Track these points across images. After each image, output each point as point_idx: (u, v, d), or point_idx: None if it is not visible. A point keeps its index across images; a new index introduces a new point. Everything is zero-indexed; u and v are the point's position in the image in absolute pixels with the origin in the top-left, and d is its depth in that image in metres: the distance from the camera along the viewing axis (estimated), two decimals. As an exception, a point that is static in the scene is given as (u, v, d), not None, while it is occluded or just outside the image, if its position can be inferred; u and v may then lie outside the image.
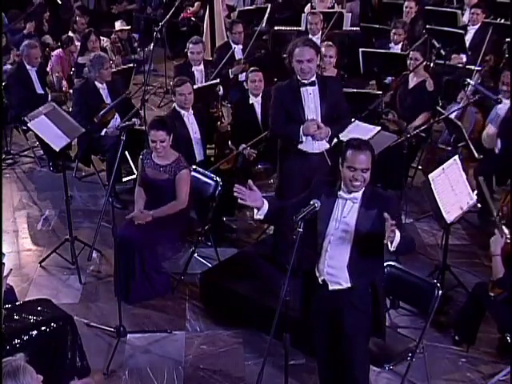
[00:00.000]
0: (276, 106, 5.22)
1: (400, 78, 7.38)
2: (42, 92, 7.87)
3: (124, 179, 7.15)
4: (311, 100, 5.09)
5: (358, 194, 3.87)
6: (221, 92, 7.67)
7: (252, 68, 6.95)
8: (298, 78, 5.06)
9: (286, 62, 5.14)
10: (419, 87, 7.15)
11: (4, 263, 4.20)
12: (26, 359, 3.04)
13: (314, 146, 5.14)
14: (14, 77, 7.78)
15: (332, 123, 5.14)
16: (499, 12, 9.84)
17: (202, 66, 7.73)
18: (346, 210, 3.86)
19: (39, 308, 4.46)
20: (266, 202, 3.93)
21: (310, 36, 8.70)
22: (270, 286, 4.93)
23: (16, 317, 4.31)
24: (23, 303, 4.60)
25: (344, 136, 5.63)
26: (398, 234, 3.68)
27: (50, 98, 7.73)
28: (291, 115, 5.11)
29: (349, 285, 3.90)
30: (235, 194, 3.82)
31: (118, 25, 10.23)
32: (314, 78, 5.10)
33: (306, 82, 5.06)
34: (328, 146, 5.18)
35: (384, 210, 3.69)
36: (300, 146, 5.16)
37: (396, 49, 8.41)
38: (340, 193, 3.87)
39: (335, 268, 3.91)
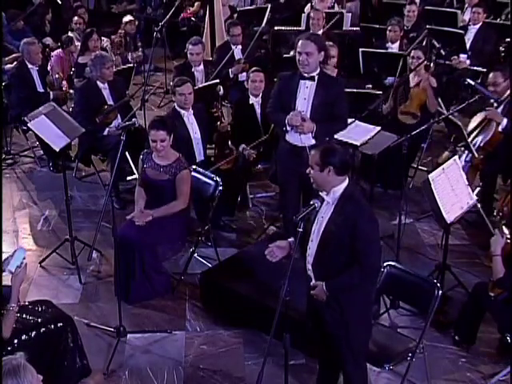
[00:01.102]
0: (274, 91, 5.45)
1: (401, 78, 7.40)
2: (43, 90, 7.86)
3: (128, 178, 7.16)
4: (305, 93, 5.20)
5: (333, 196, 3.84)
6: (221, 92, 7.67)
7: (253, 68, 6.95)
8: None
9: (294, 54, 5.32)
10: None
11: (24, 261, 4.15)
12: (26, 357, 3.04)
13: (298, 138, 5.24)
14: (15, 76, 7.77)
15: (321, 121, 5.17)
16: (496, 12, 9.89)
17: (202, 67, 7.73)
18: (323, 210, 3.88)
19: (39, 309, 4.45)
20: (291, 241, 4.02)
21: None
22: (270, 286, 4.92)
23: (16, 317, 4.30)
24: (23, 304, 4.59)
25: (343, 136, 5.65)
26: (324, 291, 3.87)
27: (51, 97, 7.72)
28: (283, 104, 5.27)
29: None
30: (269, 257, 4.00)
31: (127, 18, 10.22)
32: (314, 74, 5.18)
33: (306, 75, 5.18)
34: (313, 141, 5.19)
35: (350, 222, 3.72)
36: (287, 137, 5.32)
37: (393, 48, 8.42)
38: (319, 192, 3.91)
39: (310, 264, 3.96)
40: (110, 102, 7.00)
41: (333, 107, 5.21)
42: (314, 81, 5.19)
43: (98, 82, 7.00)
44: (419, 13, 9.33)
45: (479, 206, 5.13)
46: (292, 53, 5.33)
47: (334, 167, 3.79)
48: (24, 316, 4.33)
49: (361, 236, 3.76)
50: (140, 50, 10.35)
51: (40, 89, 7.83)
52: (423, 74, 7.11)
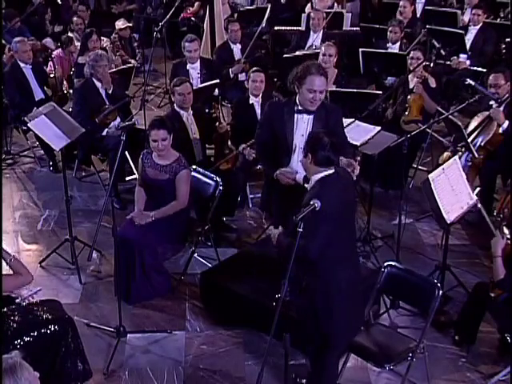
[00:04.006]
0: (264, 121, 5.02)
1: (400, 79, 7.40)
2: (43, 97, 7.87)
3: (128, 178, 7.16)
4: (303, 129, 4.73)
5: (310, 184, 4.10)
6: (216, 92, 7.68)
7: (255, 68, 6.94)
8: (297, 102, 4.73)
9: (291, 86, 4.75)
10: (422, 85, 7.13)
11: None
12: (22, 356, 3.04)
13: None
14: (9, 76, 7.74)
15: None
16: (496, 11, 9.91)
17: (198, 64, 7.72)
18: None
19: (41, 310, 4.42)
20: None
21: (311, 33, 8.78)
22: (270, 286, 4.92)
23: (17, 317, 4.30)
24: (27, 304, 4.56)
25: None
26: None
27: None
28: (278, 137, 4.79)
29: None
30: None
31: (121, 23, 10.20)
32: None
33: (303, 109, 4.73)
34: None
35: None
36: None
37: (394, 48, 8.43)
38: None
39: None
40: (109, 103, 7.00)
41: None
42: (312, 114, 4.72)
43: (96, 82, 6.99)
44: (415, 10, 9.36)
45: (479, 205, 5.11)
46: (305, 89, 4.62)
47: (313, 156, 3.99)
48: (26, 316, 4.32)
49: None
50: (138, 52, 10.36)
51: (39, 94, 7.82)
52: (416, 80, 7.11)
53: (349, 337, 4.23)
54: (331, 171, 4.02)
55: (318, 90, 4.63)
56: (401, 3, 9.31)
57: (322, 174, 4.01)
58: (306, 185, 4.10)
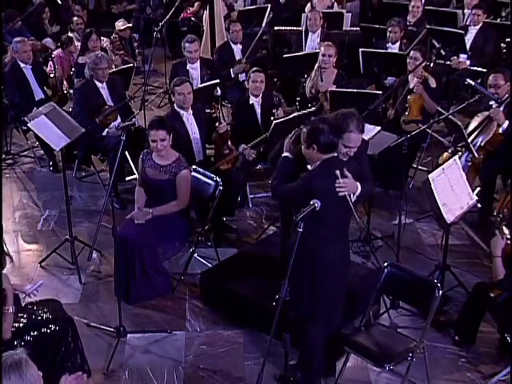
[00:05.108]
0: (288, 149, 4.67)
1: (400, 80, 7.40)
2: (43, 97, 7.87)
3: (128, 178, 7.16)
4: None
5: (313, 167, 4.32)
6: (218, 92, 7.67)
7: (255, 68, 6.94)
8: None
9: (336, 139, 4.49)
10: (422, 85, 7.13)
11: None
12: (27, 353, 3.04)
13: None
14: (9, 76, 7.73)
15: None
16: (496, 11, 9.90)
17: (198, 64, 7.73)
18: None
19: (41, 310, 4.42)
20: None
21: (309, 33, 8.78)
22: (270, 286, 4.92)
23: (17, 317, 4.29)
24: (27, 303, 4.56)
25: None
26: None
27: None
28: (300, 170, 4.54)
29: None
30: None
31: (121, 24, 10.20)
32: None
33: None
34: None
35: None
36: None
37: (394, 48, 8.43)
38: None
39: None
40: (110, 103, 7.00)
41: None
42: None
43: (97, 82, 6.99)
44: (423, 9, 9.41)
45: (479, 206, 5.12)
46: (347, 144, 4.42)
47: (318, 146, 4.13)
48: (26, 316, 4.32)
49: None
50: (137, 52, 10.36)
51: (39, 94, 7.83)
52: (416, 80, 7.10)
53: (322, 312, 4.31)
54: (335, 154, 4.19)
55: (354, 147, 4.47)
56: (412, 3, 9.36)
57: (326, 157, 4.15)
58: (308, 166, 4.26)
